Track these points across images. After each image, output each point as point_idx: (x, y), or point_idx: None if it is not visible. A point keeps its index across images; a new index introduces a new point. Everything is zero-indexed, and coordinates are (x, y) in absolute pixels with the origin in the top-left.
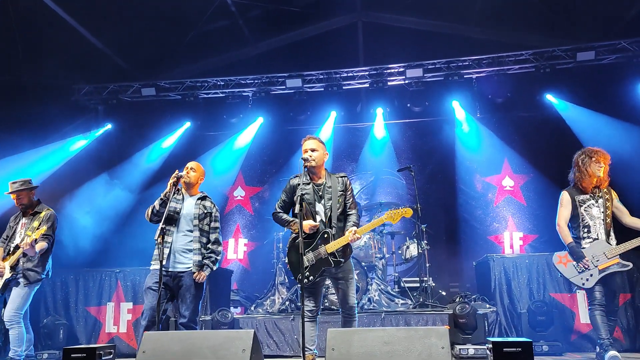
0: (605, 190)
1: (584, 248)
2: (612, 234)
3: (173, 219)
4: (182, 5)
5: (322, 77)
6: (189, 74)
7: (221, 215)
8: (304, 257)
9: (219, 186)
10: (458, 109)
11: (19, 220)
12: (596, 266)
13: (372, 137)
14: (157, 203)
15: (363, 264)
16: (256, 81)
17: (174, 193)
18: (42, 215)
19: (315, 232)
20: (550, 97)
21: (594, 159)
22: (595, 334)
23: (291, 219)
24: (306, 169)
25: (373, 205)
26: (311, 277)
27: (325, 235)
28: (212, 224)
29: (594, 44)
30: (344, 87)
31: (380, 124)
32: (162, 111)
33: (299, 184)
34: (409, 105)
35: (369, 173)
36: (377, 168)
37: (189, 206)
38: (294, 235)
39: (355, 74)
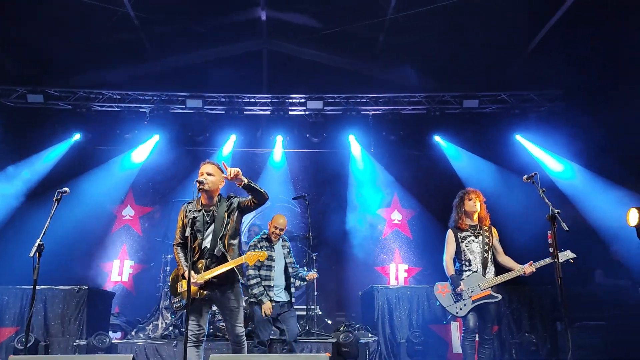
0: (486, 228)
1: (462, 279)
2: (489, 267)
3: None
4: (81, 12)
5: (223, 100)
6: (82, 84)
7: (107, 234)
8: (178, 284)
9: (106, 204)
10: (354, 143)
11: None
12: (470, 297)
13: (270, 163)
14: None
15: None
16: (155, 98)
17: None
18: None
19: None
20: (438, 139)
21: (465, 197)
22: None
23: (183, 262)
24: (199, 194)
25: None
26: (181, 303)
27: (199, 265)
28: None
29: (478, 93)
30: (245, 112)
31: (279, 152)
32: (49, 121)
33: (190, 210)
34: (308, 135)
35: None
36: (274, 195)
37: None
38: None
39: (257, 100)
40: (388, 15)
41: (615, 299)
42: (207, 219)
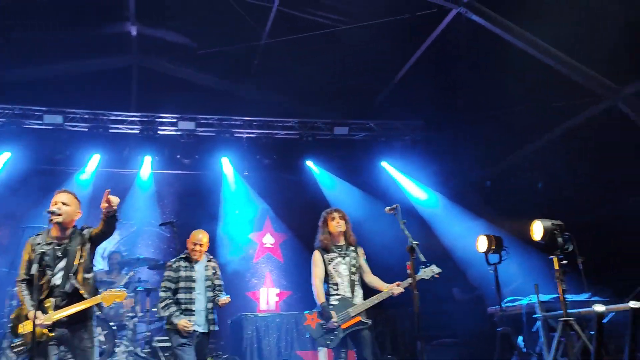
0: (353, 247)
1: (332, 305)
2: (357, 290)
3: None
4: None
5: (87, 116)
6: None
7: None
8: (20, 325)
9: None
10: (227, 166)
11: None
12: (340, 325)
13: (137, 185)
14: None
15: (112, 324)
16: (7, 111)
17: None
18: None
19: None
20: (310, 164)
21: (328, 218)
22: None
23: (27, 302)
24: (50, 225)
25: (130, 261)
26: (23, 347)
27: (47, 305)
28: None
29: (348, 121)
30: (110, 130)
31: (147, 172)
32: None
33: (39, 243)
34: (179, 156)
35: (131, 223)
36: (140, 218)
37: None
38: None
39: (125, 118)
40: (262, 40)
41: (467, 317)
42: (59, 254)
